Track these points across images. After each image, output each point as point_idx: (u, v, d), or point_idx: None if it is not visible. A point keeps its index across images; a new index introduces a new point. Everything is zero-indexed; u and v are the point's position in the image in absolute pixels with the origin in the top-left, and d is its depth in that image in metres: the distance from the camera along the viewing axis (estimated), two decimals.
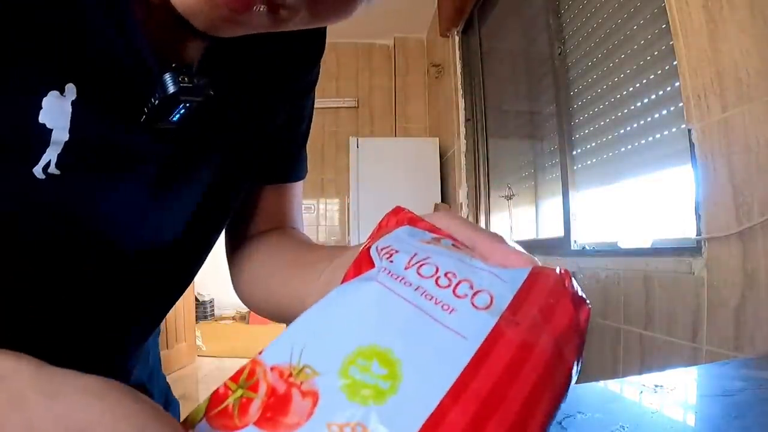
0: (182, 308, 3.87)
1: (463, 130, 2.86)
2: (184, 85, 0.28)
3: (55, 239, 0.28)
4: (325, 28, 0.46)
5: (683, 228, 1.08)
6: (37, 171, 0.26)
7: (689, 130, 0.99)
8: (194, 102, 0.29)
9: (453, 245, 0.23)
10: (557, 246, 1.69)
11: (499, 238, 0.23)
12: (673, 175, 1.16)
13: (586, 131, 1.60)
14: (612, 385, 0.47)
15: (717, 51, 0.91)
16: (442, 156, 3.28)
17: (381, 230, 0.26)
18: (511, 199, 2.31)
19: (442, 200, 3.20)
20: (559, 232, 1.68)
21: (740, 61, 0.86)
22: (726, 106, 0.90)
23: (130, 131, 0.29)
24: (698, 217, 0.98)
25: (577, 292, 0.20)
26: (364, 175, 3.17)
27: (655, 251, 1.18)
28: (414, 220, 0.25)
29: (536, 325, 0.18)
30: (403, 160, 3.24)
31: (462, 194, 2.84)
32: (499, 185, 2.53)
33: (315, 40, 0.48)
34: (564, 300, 0.19)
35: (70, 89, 0.25)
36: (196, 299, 4.71)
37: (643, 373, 0.75)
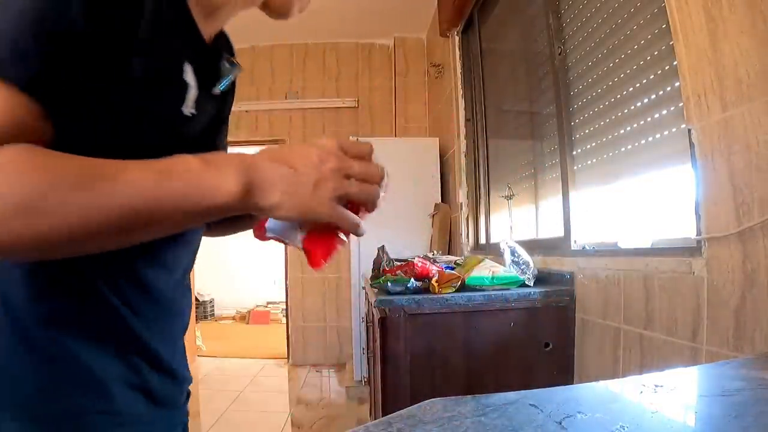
0: None
1: (463, 130, 2.86)
2: (232, 63, 0.53)
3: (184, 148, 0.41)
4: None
5: (683, 228, 1.08)
6: (185, 109, 0.47)
7: (689, 130, 0.99)
8: (232, 73, 0.54)
9: None
10: (557, 246, 1.69)
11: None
12: (673, 175, 1.16)
13: (586, 131, 1.60)
14: (612, 385, 0.47)
15: (717, 51, 0.91)
16: (442, 156, 3.28)
17: None
18: (511, 199, 2.31)
19: (442, 200, 3.20)
20: (559, 232, 1.68)
21: (740, 61, 0.86)
22: (726, 106, 0.90)
23: (206, 92, 0.51)
24: (698, 217, 0.98)
25: None
26: None
27: (655, 251, 1.18)
28: None
29: None
30: (403, 160, 3.24)
31: (462, 194, 2.84)
32: (499, 185, 2.53)
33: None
34: None
35: (190, 70, 0.47)
36: (196, 299, 4.71)
37: (643, 373, 0.75)
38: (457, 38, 2.95)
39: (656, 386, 0.44)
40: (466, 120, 2.86)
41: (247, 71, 4.17)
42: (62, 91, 0.36)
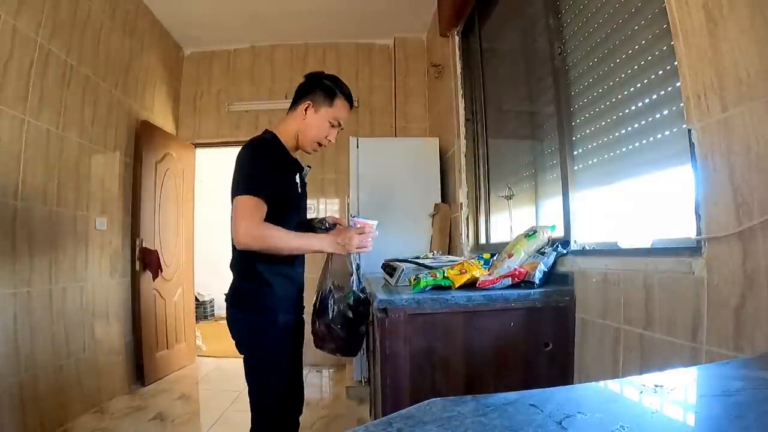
0: (182, 308, 3.87)
1: (463, 130, 2.86)
2: (308, 167, 1.59)
3: (299, 212, 1.57)
4: None
5: (683, 228, 1.08)
6: (299, 190, 1.52)
7: (689, 130, 0.99)
8: (308, 171, 1.58)
9: None
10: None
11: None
12: (673, 175, 1.16)
13: (587, 131, 1.60)
14: (612, 385, 0.47)
15: (717, 51, 0.91)
16: (442, 156, 3.28)
17: None
18: (511, 199, 2.31)
19: (442, 200, 3.20)
20: (559, 232, 1.68)
21: (740, 61, 0.86)
22: (726, 106, 0.90)
23: (302, 181, 1.54)
24: (698, 217, 0.98)
25: None
26: (364, 175, 3.17)
27: (655, 251, 1.18)
28: None
29: None
30: (403, 160, 3.24)
31: (462, 194, 2.84)
32: (499, 185, 2.53)
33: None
34: None
35: (297, 175, 1.52)
36: (196, 299, 4.71)
37: (643, 373, 0.75)
38: (457, 38, 2.95)
39: (656, 386, 0.44)
40: (466, 120, 2.86)
41: (248, 71, 4.17)
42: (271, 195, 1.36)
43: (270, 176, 1.36)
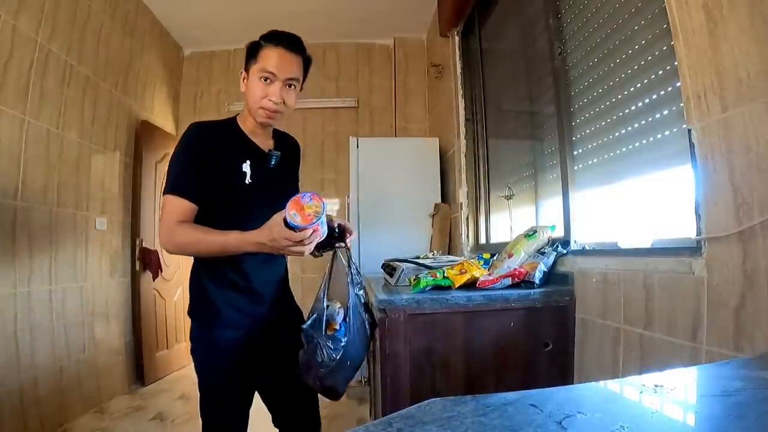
0: (182, 308, 3.86)
1: (463, 130, 2.86)
2: (275, 152, 1.27)
3: (252, 206, 1.21)
4: (298, 143, 1.47)
5: (683, 228, 1.08)
6: (246, 181, 1.21)
7: (689, 130, 0.99)
8: (276, 156, 1.27)
9: None
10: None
11: None
12: (673, 175, 1.16)
13: (587, 131, 1.60)
14: (612, 385, 0.47)
15: (717, 51, 0.91)
16: (442, 156, 3.28)
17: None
18: (511, 199, 2.31)
19: (442, 200, 3.20)
20: (559, 232, 1.68)
21: (740, 61, 0.86)
22: (726, 106, 0.90)
23: (263, 169, 1.25)
24: (698, 217, 0.98)
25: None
26: (364, 175, 3.17)
27: (655, 251, 1.18)
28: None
29: None
30: (403, 160, 3.24)
31: (462, 194, 2.84)
32: (499, 185, 2.53)
33: (297, 145, 1.45)
34: None
35: (248, 162, 1.22)
36: None
37: (643, 373, 0.75)
38: (457, 38, 2.95)
39: (656, 386, 0.44)
40: (466, 120, 2.86)
41: None
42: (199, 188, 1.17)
43: (191, 168, 1.15)
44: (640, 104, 1.31)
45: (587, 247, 1.52)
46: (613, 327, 1.24)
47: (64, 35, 2.56)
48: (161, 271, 3.46)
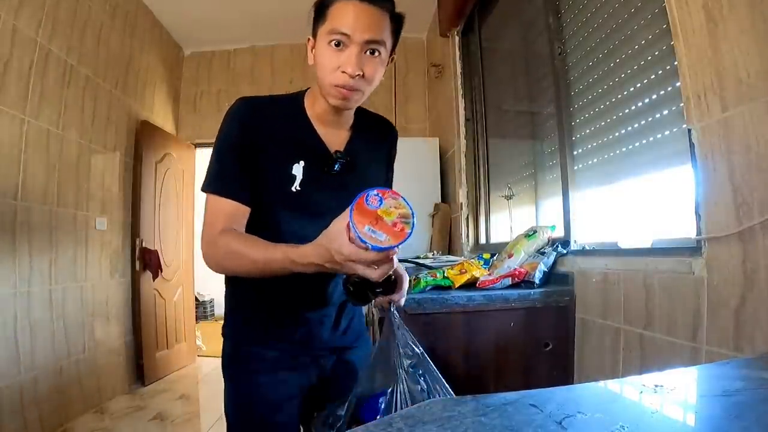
0: (182, 308, 3.87)
1: (463, 130, 2.86)
2: (342, 156, 0.91)
3: (293, 222, 0.89)
4: (394, 128, 1.16)
5: (683, 228, 1.08)
6: (294, 188, 0.87)
7: (689, 130, 0.99)
8: (342, 161, 0.91)
9: None
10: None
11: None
12: (673, 175, 1.16)
13: (587, 131, 1.60)
14: (612, 385, 0.47)
15: (717, 51, 0.91)
16: (442, 156, 3.28)
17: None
18: (511, 199, 2.31)
19: (442, 200, 3.20)
20: (559, 232, 1.68)
21: (740, 61, 0.86)
22: (726, 106, 0.90)
23: (322, 174, 0.90)
24: (698, 217, 0.98)
25: None
26: None
27: (655, 251, 1.18)
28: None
29: None
30: (402, 159, 3.22)
31: (462, 194, 2.83)
32: (499, 185, 2.53)
33: (391, 132, 1.13)
34: None
35: (301, 163, 0.88)
36: (196, 299, 4.70)
37: (643, 373, 0.75)
38: (457, 38, 2.95)
39: (656, 386, 0.44)
40: (466, 120, 2.86)
41: (248, 71, 4.17)
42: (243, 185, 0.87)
43: (232, 156, 0.86)
44: (640, 104, 1.31)
45: (587, 247, 1.52)
46: (613, 327, 1.24)
47: (64, 35, 2.56)
48: (161, 271, 3.46)
